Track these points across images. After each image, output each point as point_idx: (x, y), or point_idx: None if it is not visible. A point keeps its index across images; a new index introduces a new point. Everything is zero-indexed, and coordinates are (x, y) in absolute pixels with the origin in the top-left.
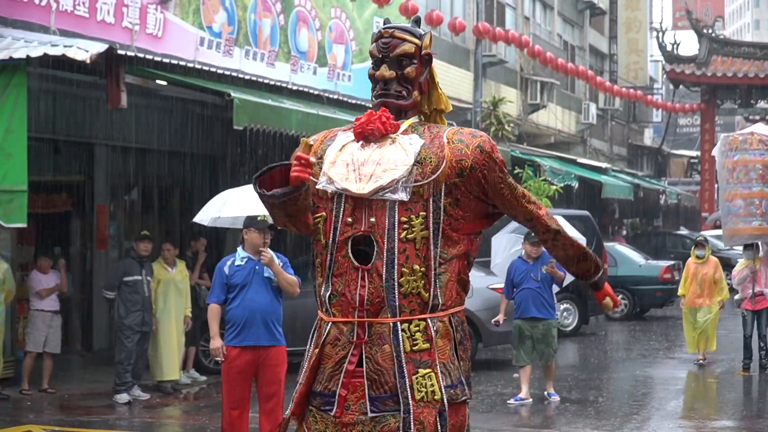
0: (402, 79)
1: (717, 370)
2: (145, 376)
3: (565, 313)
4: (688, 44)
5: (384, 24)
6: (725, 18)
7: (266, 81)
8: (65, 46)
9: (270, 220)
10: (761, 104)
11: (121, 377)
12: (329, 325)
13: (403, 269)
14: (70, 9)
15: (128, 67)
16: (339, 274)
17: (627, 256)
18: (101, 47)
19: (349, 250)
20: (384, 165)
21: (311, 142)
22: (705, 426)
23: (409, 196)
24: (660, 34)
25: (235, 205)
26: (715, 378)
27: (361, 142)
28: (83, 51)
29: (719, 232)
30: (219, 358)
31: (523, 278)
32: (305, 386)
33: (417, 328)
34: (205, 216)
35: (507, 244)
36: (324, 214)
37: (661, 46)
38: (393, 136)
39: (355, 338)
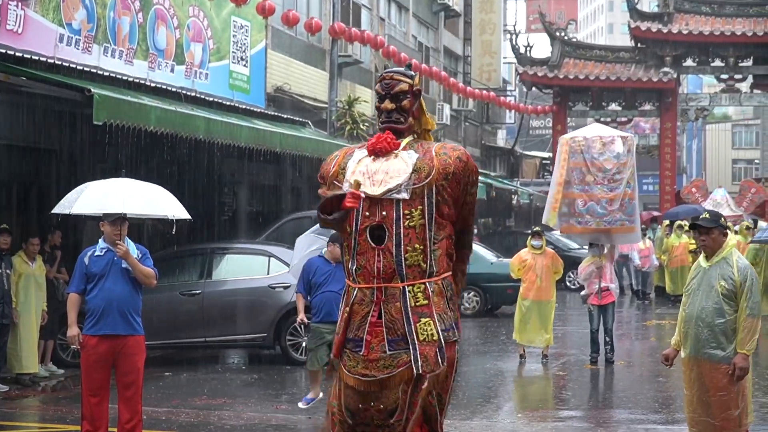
0: (400, 110)
1: (565, 364)
2: (3, 369)
3: None
4: (541, 47)
5: (385, 70)
6: (579, 21)
7: (125, 78)
8: None
9: (126, 212)
10: (612, 106)
11: None
12: (356, 290)
13: (407, 248)
14: None
15: None
16: (361, 252)
17: (479, 255)
18: None
19: (368, 236)
20: (390, 173)
21: (360, 182)
22: (552, 416)
23: (409, 196)
24: (513, 37)
25: (89, 200)
26: (563, 371)
27: (372, 157)
28: None
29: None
30: (75, 346)
31: (326, 280)
32: (342, 336)
33: (419, 290)
34: (63, 207)
35: (306, 243)
36: None
37: (515, 49)
38: (396, 151)
39: (375, 298)
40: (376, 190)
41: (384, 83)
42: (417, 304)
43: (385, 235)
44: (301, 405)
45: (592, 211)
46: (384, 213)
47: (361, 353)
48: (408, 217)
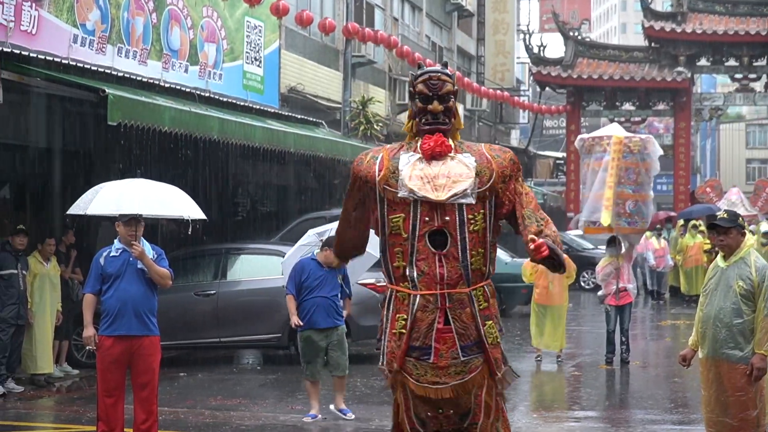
0: (446, 111)
1: (580, 364)
2: (18, 370)
3: None
4: (555, 47)
5: (419, 68)
6: (592, 21)
7: (139, 78)
8: None
9: (141, 213)
10: (626, 106)
11: None
12: (417, 296)
13: (472, 252)
14: None
15: (4, 63)
16: (422, 258)
17: None
18: None
19: (428, 241)
20: (453, 177)
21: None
22: (568, 416)
23: (475, 200)
24: (527, 37)
25: (104, 201)
26: (578, 371)
27: (426, 161)
28: None
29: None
30: (91, 347)
31: (319, 285)
32: (405, 345)
33: (480, 293)
34: (79, 208)
35: (303, 239)
36: (402, 215)
37: (528, 48)
38: (451, 154)
39: (440, 305)
40: (440, 195)
41: (431, 83)
42: (481, 307)
43: (447, 240)
44: (306, 420)
45: (640, 212)
46: (447, 218)
47: (430, 361)
48: (472, 221)
